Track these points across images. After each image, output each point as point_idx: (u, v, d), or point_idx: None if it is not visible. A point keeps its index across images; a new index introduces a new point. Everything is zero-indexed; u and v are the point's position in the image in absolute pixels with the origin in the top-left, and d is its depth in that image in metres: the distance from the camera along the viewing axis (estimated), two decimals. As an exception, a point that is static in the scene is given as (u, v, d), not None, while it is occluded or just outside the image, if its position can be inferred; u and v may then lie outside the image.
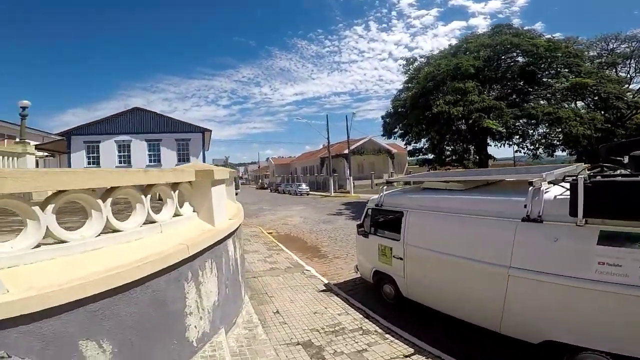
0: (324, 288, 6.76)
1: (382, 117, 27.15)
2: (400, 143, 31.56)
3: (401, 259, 5.23)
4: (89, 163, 24.56)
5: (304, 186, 39.30)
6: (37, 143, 24.88)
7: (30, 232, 2.11)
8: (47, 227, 2.18)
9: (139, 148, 26.36)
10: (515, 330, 3.82)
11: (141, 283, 2.48)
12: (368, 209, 6.23)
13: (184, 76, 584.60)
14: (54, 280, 1.96)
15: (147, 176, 3.04)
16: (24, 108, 11.02)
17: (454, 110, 19.75)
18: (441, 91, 20.96)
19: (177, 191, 3.64)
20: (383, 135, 27.93)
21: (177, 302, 2.92)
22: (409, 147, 26.70)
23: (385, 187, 6.14)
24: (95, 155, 25.22)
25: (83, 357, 2.04)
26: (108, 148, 25.57)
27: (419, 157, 25.98)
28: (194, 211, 3.99)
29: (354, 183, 35.11)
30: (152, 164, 25.87)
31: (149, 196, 3.14)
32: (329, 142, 37.03)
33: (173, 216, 3.54)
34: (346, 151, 36.56)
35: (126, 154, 26.02)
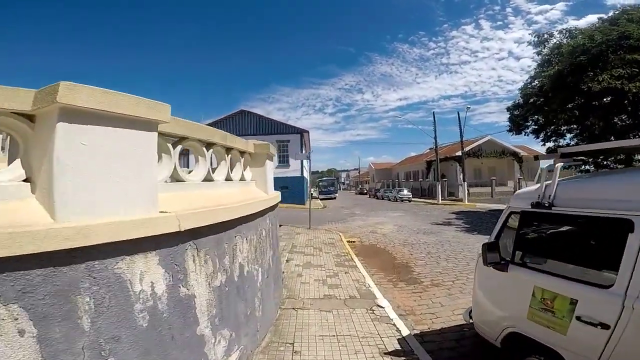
0: (398, 346, 3.83)
1: (508, 109, 21.49)
2: (531, 144, 24.65)
3: (606, 326, 2.08)
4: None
5: (405, 192, 35.03)
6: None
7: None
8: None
9: (245, 149, 27.68)
10: None
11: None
12: (512, 212, 3.06)
13: (294, 86, 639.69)
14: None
15: None
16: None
17: (630, 85, 13.65)
18: (599, 67, 14.76)
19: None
20: (510, 130, 21.89)
21: None
22: (548, 145, 20.09)
23: (552, 162, 2.77)
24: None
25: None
26: (218, 148, 27.63)
27: None
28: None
29: (468, 190, 29.30)
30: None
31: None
32: (436, 142, 31.99)
33: None
34: (459, 153, 30.83)
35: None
